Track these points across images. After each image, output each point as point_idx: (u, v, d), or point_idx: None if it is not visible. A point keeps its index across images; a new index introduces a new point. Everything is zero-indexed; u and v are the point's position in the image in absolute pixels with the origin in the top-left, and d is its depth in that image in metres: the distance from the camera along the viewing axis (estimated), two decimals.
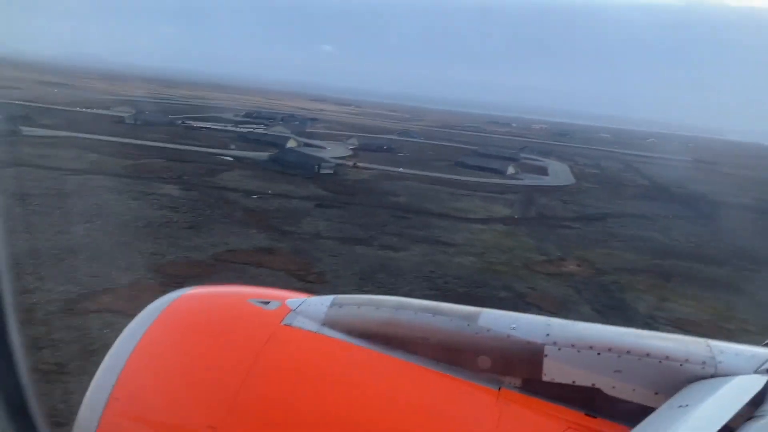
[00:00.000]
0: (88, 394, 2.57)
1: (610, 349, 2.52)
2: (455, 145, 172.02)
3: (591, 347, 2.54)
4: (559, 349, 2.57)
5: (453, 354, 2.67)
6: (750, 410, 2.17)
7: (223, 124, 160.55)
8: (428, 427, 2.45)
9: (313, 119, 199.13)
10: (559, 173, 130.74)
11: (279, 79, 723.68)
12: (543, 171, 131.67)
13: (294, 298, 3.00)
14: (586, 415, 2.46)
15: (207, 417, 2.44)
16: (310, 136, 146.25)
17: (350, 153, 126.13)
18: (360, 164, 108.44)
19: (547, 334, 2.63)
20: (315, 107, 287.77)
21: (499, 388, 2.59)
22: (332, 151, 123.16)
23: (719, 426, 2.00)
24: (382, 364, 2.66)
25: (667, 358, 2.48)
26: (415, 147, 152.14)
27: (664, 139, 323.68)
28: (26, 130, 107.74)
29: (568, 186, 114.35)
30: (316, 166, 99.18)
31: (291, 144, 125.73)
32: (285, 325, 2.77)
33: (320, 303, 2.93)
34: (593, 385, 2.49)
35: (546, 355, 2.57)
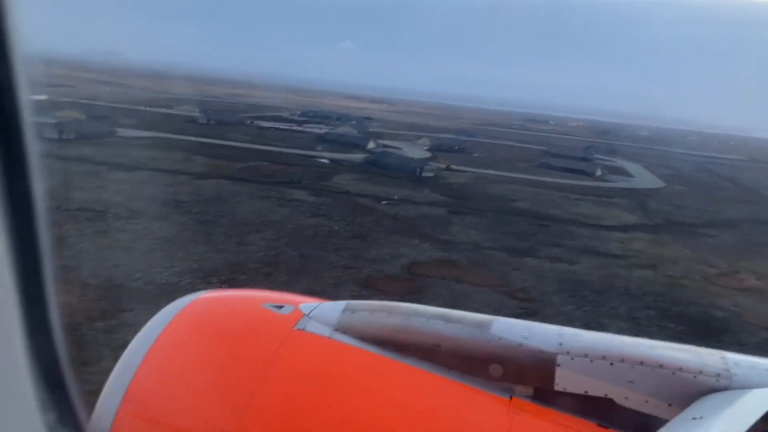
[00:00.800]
0: (102, 394, 2.54)
1: (623, 360, 2.48)
2: (520, 144, 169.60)
3: (604, 357, 2.51)
4: (572, 359, 2.54)
5: (465, 362, 2.64)
6: (764, 424, 2.14)
7: (288, 124, 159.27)
8: None
9: (368, 118, 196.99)
10: (642, 175, 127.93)
11: (299, 77, 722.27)
12: (624, 172, 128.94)
13: (307, 303, 2.99)
14: (599, 425, 2.41)
15: (219, 420, 2.44)
16: (375, 136, 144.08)
17: (428, 154, 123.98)
18: (452, 167, 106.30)
19: (560, 344, 2.60)
20: (354, 105, 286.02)
21: (511, 397, 2.55)
22: (411, 152, 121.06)
23: None
24: (393, 370, 2.65)
25: (680, 369, 2.43)
26: (483, 147, 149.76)
27: (703, 137, 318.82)
28: (117, 131, 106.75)
29: (662, 189, 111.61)
30: (418, 169, 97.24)
31: (371, 146, 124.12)
32: (298, 329, 2.77)
33: (333, 308, 2.92)
34: (606, 395, 2.45)
35: (558, 365, 2.53)
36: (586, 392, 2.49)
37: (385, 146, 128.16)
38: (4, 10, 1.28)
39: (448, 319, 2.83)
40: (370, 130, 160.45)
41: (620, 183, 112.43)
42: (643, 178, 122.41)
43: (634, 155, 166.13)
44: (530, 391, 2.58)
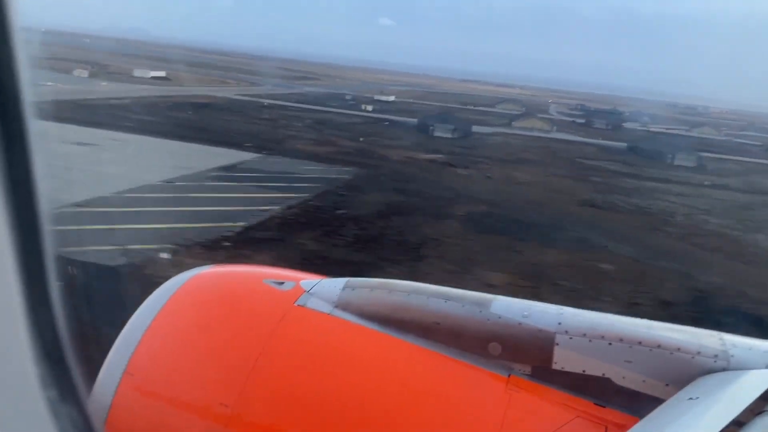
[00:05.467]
0: (103, 368, 2.57)
1: (621, 340, 2.51)
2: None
3: (602, 337, 2.53)
4: (571, 338, 2.55)
5: (464, 340, 2.66)
6: (761, 405, 2.17)
7: (634, 124, 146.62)
8: (437, 411, 2.46)
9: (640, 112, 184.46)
10: None
11: (342, 56, 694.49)
12: None
13: (308, 280, 2.97)
14: (596, 404, 2.45)
15: (220, 395, 2.47)
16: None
17: None
18: None
19: (559, 323, 2.62)
20: (494, 92, 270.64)
21: (509, 375, 2.58)
22: None
23: (729, 420, 2.01)
24: (393, 347, 2.66)
25: (678, 349, 2.45)
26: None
27: None
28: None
29: None
30: None
31: None
32: (298, 305, 2.77)
33: (333, 285, 2.92)
34: (603, 374, 2.48)
35: (557, 344, 2.56)
36: (584, 371, 2.49)
37: None
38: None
39: (448, 297, 2.79)
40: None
41: None
42: None
43: None
44: (528, 369, 2.58)
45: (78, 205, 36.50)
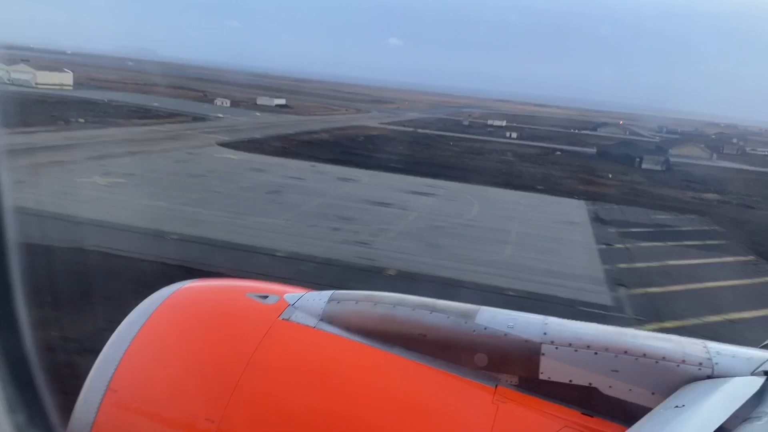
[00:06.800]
0: (86, 384, 2.56)
1: (607, 349, 2.51)
2: None
3: (588, 346, 2.53)
4: (557, 348, 2.56)
5: (450, 351, 2.65)
6: (746, 411, 2.19)
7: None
8: (424, 423, 2.45)
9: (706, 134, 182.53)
10: None
11: (352, 75, 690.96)
12: None
13: (292, 293, 2.95)
14: (583, 414, 2.45)
15: (205, 410, 2.46)
16: None
17: None
18: None
19: (545, 333, 2.62)
20: (561, 115, 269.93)
21: (496, 386, 2.58)
22: None
23: (715, 427, 2.04)
24: (378, 360, 2.65)
25: (664, 358, 2.48)
26: None
27: None
28: None
29: None
30: None
31: None
32: (283, 319, 2.76)
33: (318, 298, 2.91)
34: (590, 384, 2.49)
35: (543, 354, 2.56)
36: (570, 381, 2.50)
37: None
38: None
39: (433, 309, 2.77)
40: None
41: None
42: None
43: None
44: (515, 380, 2.58)
45: (632, 285, 30.44)
